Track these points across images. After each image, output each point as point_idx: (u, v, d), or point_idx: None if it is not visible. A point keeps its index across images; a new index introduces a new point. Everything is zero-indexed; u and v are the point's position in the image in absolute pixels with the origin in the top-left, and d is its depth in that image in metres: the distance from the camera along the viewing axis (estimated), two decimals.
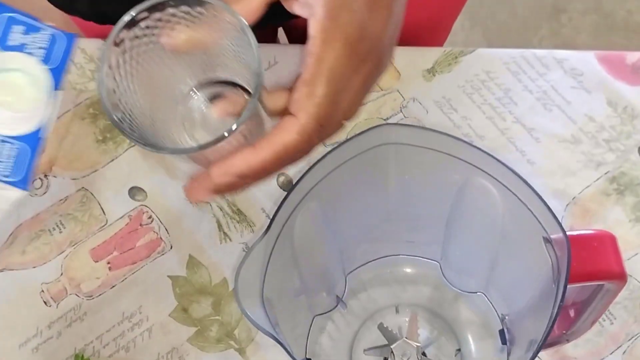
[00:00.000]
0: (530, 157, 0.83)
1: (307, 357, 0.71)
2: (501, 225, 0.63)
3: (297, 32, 1.02)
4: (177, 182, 0.82)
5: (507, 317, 0.70)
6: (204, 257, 0.80)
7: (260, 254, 0.59)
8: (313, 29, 0.47)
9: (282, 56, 0.89)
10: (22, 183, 0.44)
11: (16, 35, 0.45)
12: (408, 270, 0.77)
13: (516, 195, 0.59)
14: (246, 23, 0.46)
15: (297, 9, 0.49)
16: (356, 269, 0.75)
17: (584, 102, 0.86)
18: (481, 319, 0.74)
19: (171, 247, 0.80)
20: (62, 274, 0.79)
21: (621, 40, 1.88)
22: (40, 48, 0.46)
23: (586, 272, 0.56)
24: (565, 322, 0.66)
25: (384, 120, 0.85)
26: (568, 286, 0.63)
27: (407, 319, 0.75)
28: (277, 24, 1.05)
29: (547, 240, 0.58)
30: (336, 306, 0.74)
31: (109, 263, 0.80)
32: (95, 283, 0.79)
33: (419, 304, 0.75)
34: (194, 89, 0.52)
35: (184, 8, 0.47)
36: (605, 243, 0.58)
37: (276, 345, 0.58)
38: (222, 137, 0.45)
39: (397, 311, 0.75)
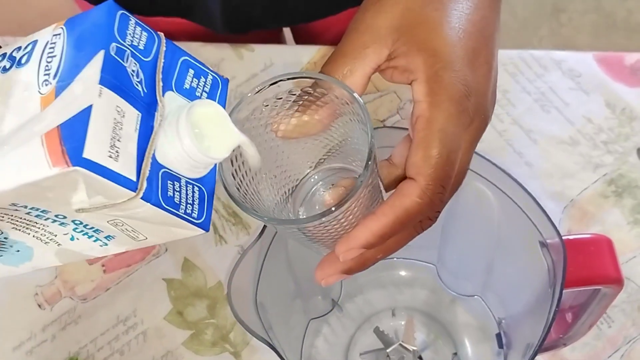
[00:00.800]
0: (528, 159, 0.83)
1: None
2: (497, 228, 0.62)
3: (303, 31, 1.01)
4: None
5: (503, 321, 0.70)
6: (199, 259, 0.79)
7: (254, 258, 0.59)
8: (418, 93, 0.47)
9: (278, 57, 0.89)
10: (206, 224, 0.45)
11: (189, 78, 0.46)
12: (404, 273, 0.76)
13: (512, 199, 0.59)
14: (360, 99, 0.45)
15: (396, 76, 0.49)
16: None
17: (582, 104, 0.85)
18: (478, 323, 0.73)
19: (166, 250, 0.80)
20: (56, 277, 0.79)
21: (621, 40, 1.87)
22: (204, 92, 0.46)
23: (582, 276, 0.56)
24: (562, 326, 0.66)
25: (381, 121, 0.85)
26: (564, 290, 0.63)
27: (403, 323, 0.74)
28: (285, 26, 1.04)
29: (543, 245, 0.57)
30: (332, 310, 0.74)
31: (103, 266, 0.79)
32: (89, 286, 0.79)
33: (415, 308, 0.75)
34: (309, 172, 0.52)
35: (288, 87, 0.46)
36: (601, 247, 0.57)
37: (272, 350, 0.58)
38: (330, 211, 0.43)
39: (393, 314, 0.75)
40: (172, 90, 0.45)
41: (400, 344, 0.71)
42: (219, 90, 0.47)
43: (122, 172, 0.40)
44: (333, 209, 0.43)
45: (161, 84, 0.44)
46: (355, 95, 0.45)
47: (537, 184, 0.81)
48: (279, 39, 1.09)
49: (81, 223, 0.45)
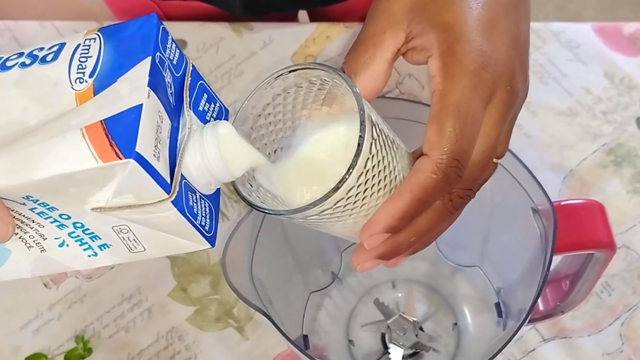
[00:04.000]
0: (527, 131, 0.83)
1: (304, 333, 0.72)
2: (490, 197, 0.63)
3: (320, 15, 1.01)
4: None
5: (502, 290, 0.70)
6: None
7: (248, 230, 0.59)
8: (432, 68, 0.46)
9: (277, 35, 0.89)
10: (213, 240, 0.47)
11: (203, 102, 0.48)
12: None
13: (504, 167, 0.59)
14: (337, 74, 0.46)
15: (416, 57, 0.49)
16: (352, 245, 0.75)
17: (580, 75, 0.85)
18: (478, 293, 0.74)
19: None
20: None
21: (627, 14, 1.86)
22: (212, 117, 0.48)
23: (574, 241, 0.56)
24: (559, 293, 0.66)
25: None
26: (560, 257, 0.63)
27: (401, 295, 0.75)
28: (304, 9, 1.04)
29: (535, 211, 0.57)
30: (332, 282, 0.74)
31: None
32: None
33: (415, 279, 0.76)
34: None
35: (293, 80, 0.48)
36: (593, 212, 0.57)
37: None
38: (328, 196, 0.43)
39: (393, 286, 0.75)
40: (191, 109, 0.46)
41: (400, 315, 0.72)
42: (222, 118, 0.49)
43: (161, 172, 0.41)
44: (331, 192, 0.43)
45: (188, 99, 0.46)
46: (331, 72, 0.45)
47: (536, 155, 0.81)
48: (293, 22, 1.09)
49: (82, 226, 0.45)
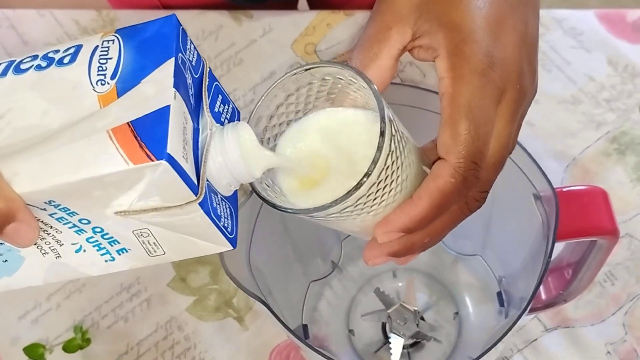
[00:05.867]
0: (530, 119, 0.81)
1: (303, 323, 0.71)
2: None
3: (321, 3, 1.00)
4: None
5: (504, 279, 0.70)
6: None
7: (245, 219, 0.59)
8: (441, 70, 0.46)
9: (276, 23, 0.89)
10: (235, 241, 0.47)
11: (218, 103, 0.48)
12: None
13: None
14: (361, 77, 0.45)
15: (422, 54, 0.48)
16: None
17: (583, 62, 0.85)
18: (479, 282, 0.73)
19: None
20: None
21: (632, 4, 1.85)
22: (226, 118, 0.48)
23: (577, 227, 0.55)
24: (561, 282, 0.65)
25: None
26: (562, 245, 0.63)
27: (401, 284, 0.74)
28: None
29: (537, 197, 0.57)
30: (332, 272, 0.74)
31: None
32: None
33: (416, 268, 0.75)
34: None
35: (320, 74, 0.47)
36: (596, 198, 0.57)
37: None
38: (362, 183, 0.43)
39: (394, 276, 0.75)
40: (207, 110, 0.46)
41: (401, 305, 0.71)
42: (235, 119, 0.49)
43: (190, 174, 0.41)
44: (353, 189, 0.43)
45: (208, 101, 0.45)
46: (350, 72, 0.45)
47: (539, 144, 0.81)
48: (294, 9, 1.08)
49: (102, 231, 0.45)
